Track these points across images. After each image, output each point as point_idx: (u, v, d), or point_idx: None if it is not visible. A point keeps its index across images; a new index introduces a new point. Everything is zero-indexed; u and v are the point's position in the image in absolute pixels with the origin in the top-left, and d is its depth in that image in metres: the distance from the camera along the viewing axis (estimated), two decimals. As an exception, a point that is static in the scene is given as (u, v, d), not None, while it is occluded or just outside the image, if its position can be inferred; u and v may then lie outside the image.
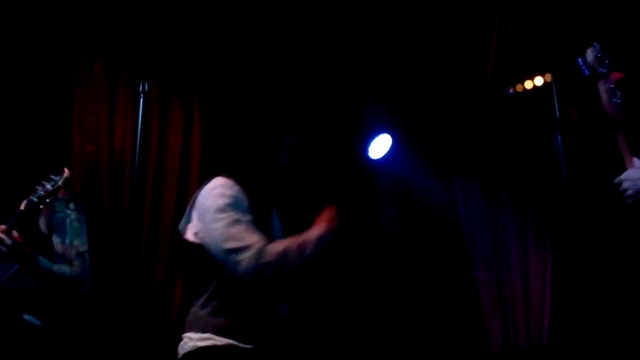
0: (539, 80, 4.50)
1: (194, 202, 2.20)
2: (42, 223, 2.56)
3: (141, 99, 2.68)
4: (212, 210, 2.08)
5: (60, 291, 2.53)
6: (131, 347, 3.46)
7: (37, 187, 2.39)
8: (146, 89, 2.69)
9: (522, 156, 5.15)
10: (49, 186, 2.39)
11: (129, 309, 3.57)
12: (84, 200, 2.86)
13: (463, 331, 5.05)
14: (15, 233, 2.34)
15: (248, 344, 2.06)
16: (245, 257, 2.00)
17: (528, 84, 4.54)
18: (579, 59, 2.04)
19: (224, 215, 2.06)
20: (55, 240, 2.54)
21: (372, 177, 5.03)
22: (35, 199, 2.38)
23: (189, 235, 2.17)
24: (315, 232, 2.12)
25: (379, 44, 4.24)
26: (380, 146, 4.92)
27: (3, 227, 2.34)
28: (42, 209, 2.47)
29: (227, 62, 4.26)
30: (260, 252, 2.01)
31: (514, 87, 4.57)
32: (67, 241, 2.54)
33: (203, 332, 2.07)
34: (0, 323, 2.42)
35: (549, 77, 4.36)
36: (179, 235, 2.23)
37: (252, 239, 2.04)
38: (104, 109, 3.91)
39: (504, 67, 4.15)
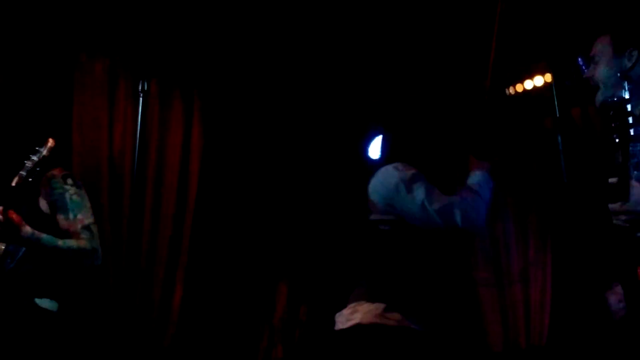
0: (539, 80, 4.49)
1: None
2: (42, 204, 2.56)
3: (141, 98, 2.68)
4: (402, 183, 2.20)
5: (72, 266, 2.53)
6: (131, 347, 3.46)
7: (25, 161, 2.44)
8: (146, 88, 2.69)
9: (522, 156, 5.14)
10: (35, 157, 2.43)
11: (129, 309, 3.57)
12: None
13: (463, 331, 5.05)
14: (11, 212, 2.35)
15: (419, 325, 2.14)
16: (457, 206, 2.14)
17: (528, 84, 4.53)
18: (579, 59, 2.04)
19: (416, 184, 2.19)
20: (60, 217, 2.54)
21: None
22: (25, 173, 2.42)
23: (374, 216, 2.26)
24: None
25: (377, 43, 4.24)
26: (378, 146, 4.91)
27: None
28: (41, 190, 2.51)
29: (228, 61, 4.26)
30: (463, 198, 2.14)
31: (514, 87, 4.55)
32: (71, 216, 2.53)
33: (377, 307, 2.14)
34: (13, 309, 2.42)
35: (549, 77, 4.35)
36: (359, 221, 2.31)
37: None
38: (104, 109, 3.91)
39: (503, 67, 4.15)
